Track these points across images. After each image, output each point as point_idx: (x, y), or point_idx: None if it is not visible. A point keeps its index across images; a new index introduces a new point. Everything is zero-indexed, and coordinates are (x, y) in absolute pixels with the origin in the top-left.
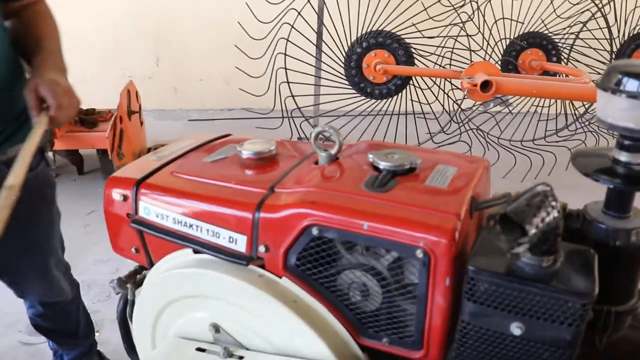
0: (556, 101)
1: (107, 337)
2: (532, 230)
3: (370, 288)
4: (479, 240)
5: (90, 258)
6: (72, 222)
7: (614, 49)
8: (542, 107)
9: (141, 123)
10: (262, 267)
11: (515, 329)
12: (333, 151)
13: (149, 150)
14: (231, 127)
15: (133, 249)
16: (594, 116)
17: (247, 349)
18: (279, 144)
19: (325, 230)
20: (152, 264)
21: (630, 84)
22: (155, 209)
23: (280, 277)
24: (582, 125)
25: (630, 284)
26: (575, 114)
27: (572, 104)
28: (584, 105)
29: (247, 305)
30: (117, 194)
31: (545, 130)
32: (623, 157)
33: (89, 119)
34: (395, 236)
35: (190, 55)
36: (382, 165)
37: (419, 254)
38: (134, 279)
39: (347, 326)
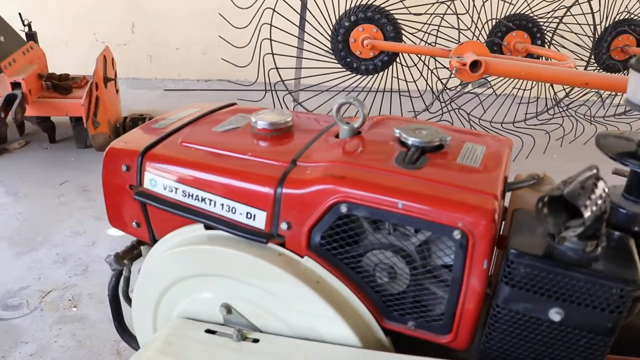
0: (537, 84)
1: (85, 313)
2: (588, 214)
3: (397, 269)
4: (515, 223)
5: (66, 230)
6: (44, 192)
7: (597, 35)
8: (524, 90)
9: (117, 91)
10: (283, 245)
11: (555, 315)
12: (356, 124)
13: (125, 119)
14: (209, 99)
15: (134, 223)
16: (573, 101)
17: (262, 332)
18: (294, 115)
19: (355, 207)
20: (154, 240)
21: None
22: (163, 180)
23: (302, 257)
24: (561, 109)
25: None
26: (554, 98)
27: (553, 88)
28: (564, 89)
29: (264, 285)
30: (118, 164)
31: (526, 113)
32: None
33: (62, 85)
34: (432, 216)
35: (168, 22)
36: (411, 140)
37: (457, 235)
38: (132, 255)
39: (372, 309)
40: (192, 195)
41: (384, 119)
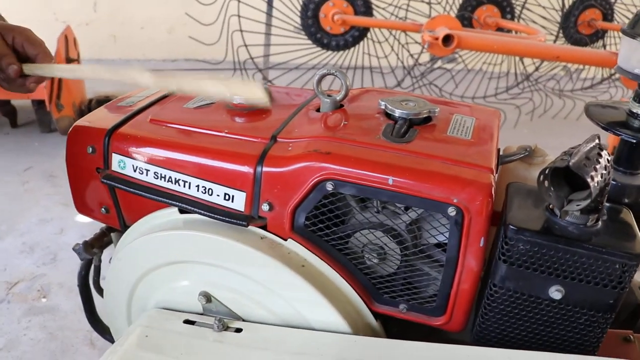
0: (507, 59)
1: (56, 303)
2: (593, 185)
3: (387, 250)
4: (510, 197)
5: (32, 218)
6: (8, 179)
7: (565, 9)
8: (494, 64)
9: None
10: (264, 228)
11: (555, 293)
12: (338, 97)
13: (90, 101)
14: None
15: (103, 209)
16: (542, 75)
17: (244, 320)
18: (272, 88)
19: (341, 185)
20: (125, 226)
21: None
22: (132, 162)
23: (286, 239)
24: (531, 84)
25: None
26: (523, 72)
27: (522, 62)
28: (534, 63)
29: (246, 270)
30: (83, 145)
31: (496, 88)
32: None
33: None
34: (425, 192)
35: (132, 0)
36: (398, 112)
37: (452, 211)
38: (101, 243)
39: (361, 292)
40: (164, 177)
41: (365, 91)
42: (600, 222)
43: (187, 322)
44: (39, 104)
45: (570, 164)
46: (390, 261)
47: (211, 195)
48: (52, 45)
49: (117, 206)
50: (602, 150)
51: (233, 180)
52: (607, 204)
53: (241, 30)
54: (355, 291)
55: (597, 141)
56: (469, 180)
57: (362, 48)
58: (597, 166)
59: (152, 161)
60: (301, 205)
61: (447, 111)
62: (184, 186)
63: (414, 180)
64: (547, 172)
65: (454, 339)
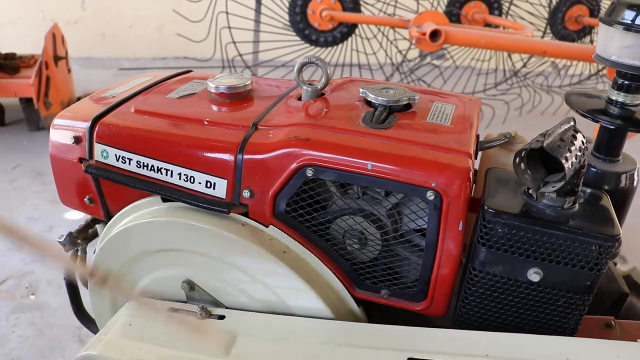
0: (496, 55)
1: (44, 300)
2: (567, 166)
3: (368, 235)
4: (488, 182)
5: (21, 216)
6: None
7: (552, 6)
8: (482, 61)
9: (69, 70)
10: (246, 214)
11: (534, 275)
12: (319, 86)
13: (78, 99)
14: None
15: (87, 199)
16: (531, 71)
17: (227, 307)
18: (255, 80)
19: (321, 171)
20: (109, 216)
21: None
22: (115, 151)
23: (267, 226)
24: (519, 80)
25: None
26: (512, 69)
27: (510, 59)
28: (522, 59)
29: (228, 258)
30: (66, 135)
31: (485, 84)
32: (621, 97)
33: (9, 64)
34: (404, 176)
35: None
36: (378, 100)
37: (430, 195)
38: (86, 234)
39: (342, 278)
40: (147, 166)
41: (347, 80)
42: (577, 205)
43: (171, 309)
44: (27, 102)
45: (545, 144)
46: (371, 247)
47: (193, 183)
48: (40, 44)
49: (102, 196)
50: (576, 132)
51: (214, 167)
52: (587, 189)
53: (229, 27)
54: (337, 277)
55: (571, 123)
56: (447, 164)
57: (351, 44)
58: (572, 147)
59: (134, 150)
60: (282, 191)
61: (427, 99)
62: (167, 174)
63: (392, 165)
64: (522, 154)
65: (437, 325)
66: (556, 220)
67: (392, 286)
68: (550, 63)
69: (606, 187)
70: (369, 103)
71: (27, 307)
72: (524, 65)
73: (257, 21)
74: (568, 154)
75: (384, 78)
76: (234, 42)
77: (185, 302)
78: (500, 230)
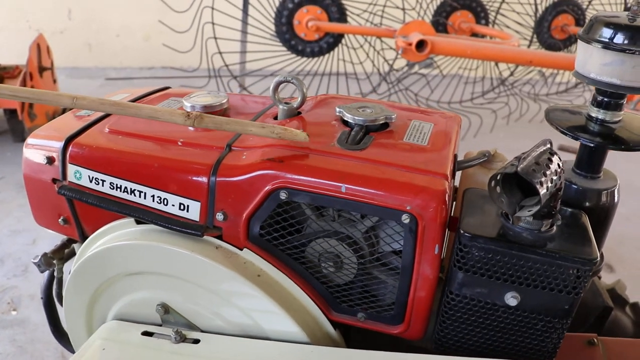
0: (483, 64)
1: (26, 316)
2: (543, 191)
3: (344, 258)
4: (466, 203)
5: (4, 229)
6: None
7: (538, 15)
8: (469, 69)
9: (54, 81)
10: (220, 237)
11: (511, 300)
12: (295, 104)
13: (63, 111)
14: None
15: (61, 220)
16: (518, 80)
17: (203, 331)
18: (231, 97)
19: (295, 193)
20: (84, 237)
21: (618, 37)
22: (88, 172)
23: (241, 249)
24: (507, 88)
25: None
26: (499, 77)
27: (498, 67)
28: (509, 68)
29: (202, 281)
30: (39, 156)
31: (472, 93)
32: (601, 114)
33: None
34: (378, 199)
35: (106, 7)
36: (354, 119)
37: (405, 219)
38: (62, 254)
39: (318, 301)
40: (120, 188)
41: (326, 98)
42: (555, 227)
43: (145, 333)
44: (11, 113)
45: (519, 169)
46: (347, 270)
47: (166, 205)
48: (25, 54)
49: (76, 217)
50: (552, 155)
51: (187, 190)
52: (565, 208)
53: (215, 38)
54: (313, 300)
55: (548, 145)
56: (422, 187)
57: (337, 54)
58: (547, 171)
59: (107, 171)
60: (255, 214)
61: (405, 117)
62: (140, 196)
63: (366, 188)
64: (498, 177)
65: (417, 347)
66: (533, 244)
67: (368, 309)
68: (537, 71)
69: (587, 204)
70: (345, 122)
71: (8, 324)
72: (511, 74)
73: (244, 32)
74: (543, 179)
75: (370, 88)
76: (220, 53)
77: (161, 325)
78: (476, 253)
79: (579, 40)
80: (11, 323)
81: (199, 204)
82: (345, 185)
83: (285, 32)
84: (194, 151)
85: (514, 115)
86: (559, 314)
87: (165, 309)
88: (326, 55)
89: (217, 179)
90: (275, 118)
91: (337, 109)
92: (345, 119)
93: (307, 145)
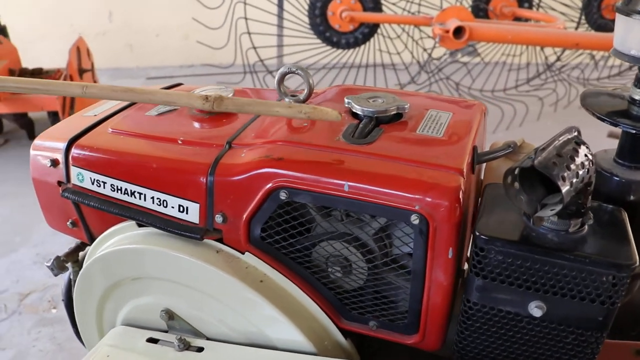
0: (527, 49)
1: (65, 314)
2: (566, 187)
3: (353, 262)
4: (485, 201)
5: (46, 229)
6: (24, 191)
7: None
8: (513, 56)
9: (95, 82)
10: (220, 240)
11: (535, 310)
12: (301, 97)
13: None
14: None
15: (69, 223)
16: (565, 64)
17: (208, 338)
18: (237, 92)
19: (295, 193)
20: (92, 239)
21: None
22: (90, 174)
23: (243, 253)
24: (553, 74)
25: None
26: (545, 63)
27: (543, 52)
28: (555, 53)
29: (204, 287)
30: (44, 158)
31: (517, 80)
32: None
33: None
34: (384, 198)
35: (146, 8)
36: (362, 111)
37: (415, 219)
38: (76, 257)
39: (326, 309)
40: (120, 189)
41: (337, 89)
42: (586, 227)
43: (150, 340)
44: (54, 116)
45: (535, 162)
46: (356, 275)
47: (166, 207)
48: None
49: (83, 219)
50: (579, 144)
51: (186, 190)
52: (602, 204)
53: (249, 33)
54: (320, 307)
55: (574, 133)
56: (433, 183)
57: (374, 45)
58: (572, 164)
59: (108, 173)
60: (255, 215)
61: (422, 106)
62: (140, 198)
63: (371, 185)
64: (515, 172)
65: (439, 356)
66: (559, 247)
67: (381, 317)
68: (587, 54)
69: (631, 198)
70: (354, 114)
71: (48, 322)
72: (558, 59)
73: (280, 26)
74: (566, 173)
75: (409, 78)
76: (255, 48)
77: (167, 332)
78: (494, 258)
79: (617, 14)
80: (51, 321)
81: (197, 205)
82: (349, 183)
83: (320, 24)
84: (194, 150)
85: (562, 102)
86: (592, 327)
87: (170, 315)
88: (362, 47)
89: (215, 179)
90: None
91: (346, 100)
92: (354, 110)
93: (310, 141)
